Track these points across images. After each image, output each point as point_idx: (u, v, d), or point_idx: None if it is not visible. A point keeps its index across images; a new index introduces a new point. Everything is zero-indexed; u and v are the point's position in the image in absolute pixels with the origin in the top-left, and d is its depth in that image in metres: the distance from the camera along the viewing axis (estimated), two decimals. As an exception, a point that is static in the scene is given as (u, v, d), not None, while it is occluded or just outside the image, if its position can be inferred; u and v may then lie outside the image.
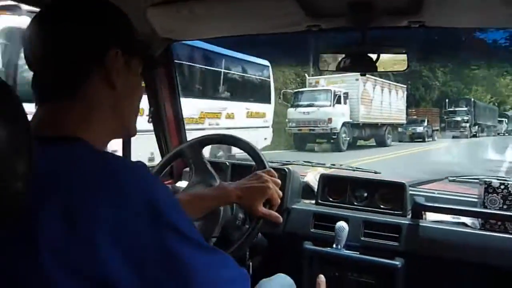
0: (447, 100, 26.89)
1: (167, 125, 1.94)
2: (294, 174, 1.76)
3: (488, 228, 1.46)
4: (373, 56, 1.37)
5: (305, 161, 2.05)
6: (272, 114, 11.56)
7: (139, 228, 0.53)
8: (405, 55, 1.36)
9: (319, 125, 14.72)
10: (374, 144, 18.00)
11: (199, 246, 0.58)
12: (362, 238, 1.57)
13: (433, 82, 29.04)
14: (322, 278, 1.15)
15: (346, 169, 2.05)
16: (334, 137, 14.70)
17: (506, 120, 32.34)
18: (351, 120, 15.83)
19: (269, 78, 11.54)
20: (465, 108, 25.25)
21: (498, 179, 1.53)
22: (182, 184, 1.73)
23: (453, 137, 22.96)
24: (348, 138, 15.39)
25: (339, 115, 14.99)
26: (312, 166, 2.01)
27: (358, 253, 1.54)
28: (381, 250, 1.53)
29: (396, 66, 1.37)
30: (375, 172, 1.93)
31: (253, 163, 1.51)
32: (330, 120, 14.60)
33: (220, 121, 9.35)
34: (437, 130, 23.69)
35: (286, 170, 1.74)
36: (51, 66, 0.65)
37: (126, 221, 0.53)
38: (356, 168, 2.00)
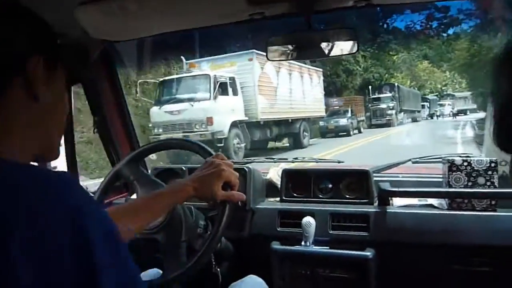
0: (370, 87, 24.98)
1: (115, 134, 1.81)
2: (255, 172, 1.68)
3: (455, 207, 1.43)
4: (323, 43, 1.31)
5: (266, 158, 1.98)
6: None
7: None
8: (354, 37, 1.30)
9: (195, 129, 10.17)
10: (288, 145, 14.21)
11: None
12: (331, 232, 1.51)
13: (355, 68, 26.26)
14: None
15: (309, 162, 1.99)
16: (220, 144, 10.05)
17: (428, 104, 32.01)
18: (246, 118, 11.24)
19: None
20: (390, 94, 23.58)
21: (460, 156, 1.50)
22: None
23: (378, 126, 21.43)
24: (242, 145, 10.93)
25: (225, 112, 10.45)
26: (274, 162, 1.93)
27: (327, 247, 1.48)
28: (351, 242, 1.48)
29: (346, 49, 1.30)
30: (338, 162, 1.87)
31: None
32: (210, 120, 10.12)
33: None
34: (362, 120, 21.57)
35: (246, 169, 1.66)
36: None
37: (49, 259, 0.48)
38: (319, 159, 1.95)
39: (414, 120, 26.71)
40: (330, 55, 1.35)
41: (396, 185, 1.53)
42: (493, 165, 1.40)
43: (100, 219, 0.54)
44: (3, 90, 0.58)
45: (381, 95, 23.67)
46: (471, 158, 1.43)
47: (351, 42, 1.29)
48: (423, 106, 30.27)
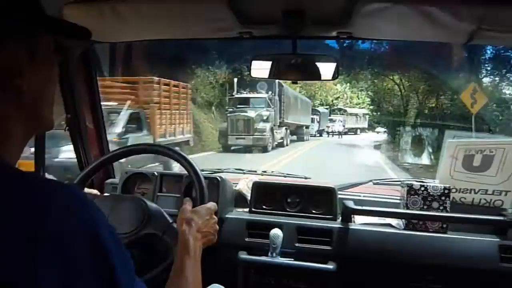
0: (236, 80, 16.33)
1: (87, 135, 1.78)
2: (226, 183, 1.72)
3: (411, 227, 1.56)
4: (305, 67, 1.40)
5: (236, 169, 2.02)
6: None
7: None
8: (335, 64, 1.40)
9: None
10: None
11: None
12: (296, 244, 1.58)
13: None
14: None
15: (277, 176, 2.06)
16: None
17: (318, 118, 26.34)
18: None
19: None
20: (265, 96, 15.71)
21: (417, 181, 1.64)
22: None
23: (235, 151, 14.57)
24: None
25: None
26: (244, 173, 1.99)
27: (292, 259, 1.55)
28: (315, 255, 1.56)
29: (326, 75, 1.40)
30: (305, 178, 1.96)
31: (183, 172, 1.46)
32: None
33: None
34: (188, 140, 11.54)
35: (219, 178, 1.69)
36: None
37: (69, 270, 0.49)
38: (287, 174, 2.02)
39: (300, 139, 20.11)
40: (310, 79, 1.44)
41: (358, 203, 1.63)
42: (446, 191, 1.55)
43: (109, 227, 0.56)
44: None
45: (252, 96, 15.96)
46: (428, 184, 1.57)
47: (332, 69, 1.39)
48: (312, 120, 24.57)
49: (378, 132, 26.29)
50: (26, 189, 0.51)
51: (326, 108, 30.60)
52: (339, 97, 34.50)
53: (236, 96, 16.22)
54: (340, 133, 27.15)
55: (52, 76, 0.63)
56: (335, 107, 32.90)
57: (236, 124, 14.74)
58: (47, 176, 1.88)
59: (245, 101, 15.85)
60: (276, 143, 15.79)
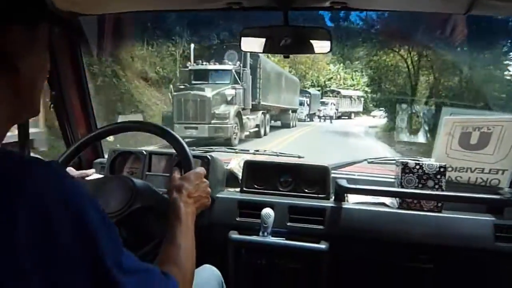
0: (192, 47, 12.74)
1: (72, 112, 1.72)
2: (217, 162, 1.68)
3: (405, 206, 1.53)
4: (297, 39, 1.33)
5: (228, 148, 1.98)
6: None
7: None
8: (329, 38, 1.33)
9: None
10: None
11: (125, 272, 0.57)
12: (288, 224, 1.55)
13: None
14: None
15: (270, 155, 2.02)
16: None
17: (308, 100, 23.61)
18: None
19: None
20: (231, 67, 11.62)
21: (412, 160, 1.60)
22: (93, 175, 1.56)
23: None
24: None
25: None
26: (236, 152, 1.94)
27: (284, 239, 1.52)
28: (307, 234, 1.53)
29: (319, 48, 1.34)
30: (299, 157, 1.92)
31: (171, 150, 1.42)
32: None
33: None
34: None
35: (209, 157, 1.65)
36: None
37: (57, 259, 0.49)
38: (280, 153, 1.98)
39: (286, 125, 17.47)
40: (303, 52, 1.38)
41: (352, 182, 1.60)
42: (442, 169, 1.51)
43: (91, 200, 0.55)
44: None
45: (211, 68, 11.64)
46: (423, 162, 1.53)
47: (325, 42, 1.33)
48: (301, 103, 21.64)
49: (374, 116, 24.42)
50: (4, 164, 0.50)
51: (318, 90, 28.26)
52: (332, 77, 31.87)
53: (190, 68, 11.87)
54: (331, 118, 24.74)
55: (46, 63, 0.65)
56: (328, 88, 30.50)
57: (184, 107, 10.43)
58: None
59: (202, 75, 11.43)
60: (247, 132, 12.01)
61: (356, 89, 30.33)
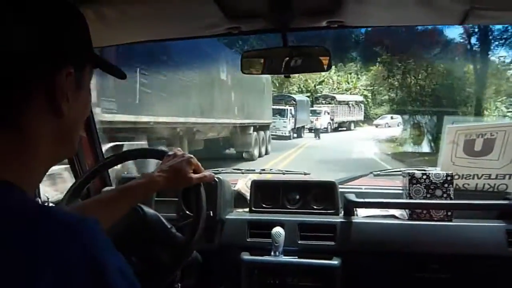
0: None
1: (80, 143, 1.75)
2: (224, 183, 1.69)
3: (415, 217, 1.53)
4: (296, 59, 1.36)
5: (234, 169, 2.00)
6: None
7: None
8: (327, 55, 1.36)
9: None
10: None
11: None
12: (299, 242, 1.55)
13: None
14: None
15: (276, 173, 2.03)
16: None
17: (292, 109, 18.53)
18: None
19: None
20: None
21: (418, 170, 1.60)
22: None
23: None
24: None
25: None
26: (242, 173, 1.96)
27: (296, 257, 1.52)
28: (319, 251, 1.53)
29: (319, 67, 1.36)
30: (305, 174, 1.93)
31: None
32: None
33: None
34: None
35: (216, 180, 1.66)
36: None
37: None
38: (286, 171, 1.99)
39: (238, 157, 11.64)
40: (303, 71, 1.41)
41: (360, 196, 1.60)
42: (449, 178, 1.52)
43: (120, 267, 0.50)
44: (25, 103, 0.51)
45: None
46: (430, 172, 1.54)
47: (324, 60, 1.36)
48: (280, 113, 17.00)
49: (377, 126, 21.14)
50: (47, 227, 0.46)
51: (307, 96, 23.21)
52: (323, 81, 26.43)
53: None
54: (316, 131, 18.99)
55: (89, 104, 0.64)
56: (319, 94, 25.55)
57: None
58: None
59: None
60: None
61: (354, 93, 25.79)
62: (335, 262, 1.48)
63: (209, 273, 1.49)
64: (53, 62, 0.53)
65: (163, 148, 1.23)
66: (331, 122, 21.48)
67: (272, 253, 1.50)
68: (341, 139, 17.76)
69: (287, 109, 17.83)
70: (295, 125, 18.62)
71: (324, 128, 19.85)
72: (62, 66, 0.54)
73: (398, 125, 16.63)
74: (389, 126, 17.52)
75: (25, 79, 0.51)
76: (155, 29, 1.41)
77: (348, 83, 26.82)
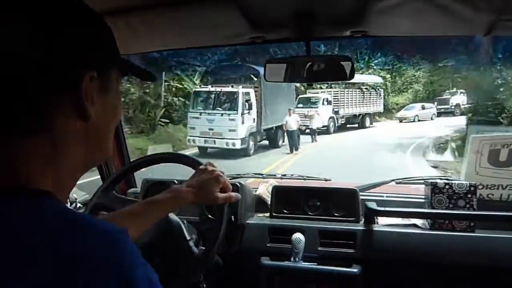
0: None
1: None
2: (246, 188, 1.72)
3: (437, 227, 1.52)
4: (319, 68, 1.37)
5: (255, 174, 2.02)
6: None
7: None
8: (350, 63, 1.37)
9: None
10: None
11: None
12: (319, 248, 1.56)
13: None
14: None
15: (297, 179, 2.04)
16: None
17: (251, 93, 10.77)
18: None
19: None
20: None
21: (441, 179, 1.59)
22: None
23: None
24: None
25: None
26: (263, 178, 1.98)
27: (316, 264, 1.53)
28: (338, 258, 1.53)
29: (341, 75, 1.37)
30: (325, 180, 1.93)
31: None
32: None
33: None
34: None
35: (238, 184, 1.69)
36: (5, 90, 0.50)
37: None
38: (307, 177, 2.00)
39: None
40: (326, 80, 1.42)
41: (381, 204, 1.60)
42: (472, 188, 1.50)
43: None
44: (54, 108, 0.52)
45: None
46: (453, 182, 1.52)
47: (347, 68, 1.36)
48: (223, 103, 11.04)
49: (402, 120, 14.05)
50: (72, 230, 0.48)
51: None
52: None
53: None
54: (313, 133, 12.90)
55: (118, 106, 0.64)
56: None
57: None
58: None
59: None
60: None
61: (368, 73, 17.84)
62: (354, 270, 1.49)
63: (230, 276, 1.52)
64: (76, 66, 0.53)
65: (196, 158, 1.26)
66: (334, 116, 14.52)
67: (292, 259, 1.51)
68: (351, 147, 11.40)
69: (239, 94, 10.79)
70: (258, 125, 11.31)
71: (324, 126, 13.48)
72: (86, 70, 0.54)
73: (432, 118, 11.92)
74: (420, 120, 12.08)
75: (49, 84, 0.51)
76: (180, 37, 1.46)
77: (358, 61, 19.47)
